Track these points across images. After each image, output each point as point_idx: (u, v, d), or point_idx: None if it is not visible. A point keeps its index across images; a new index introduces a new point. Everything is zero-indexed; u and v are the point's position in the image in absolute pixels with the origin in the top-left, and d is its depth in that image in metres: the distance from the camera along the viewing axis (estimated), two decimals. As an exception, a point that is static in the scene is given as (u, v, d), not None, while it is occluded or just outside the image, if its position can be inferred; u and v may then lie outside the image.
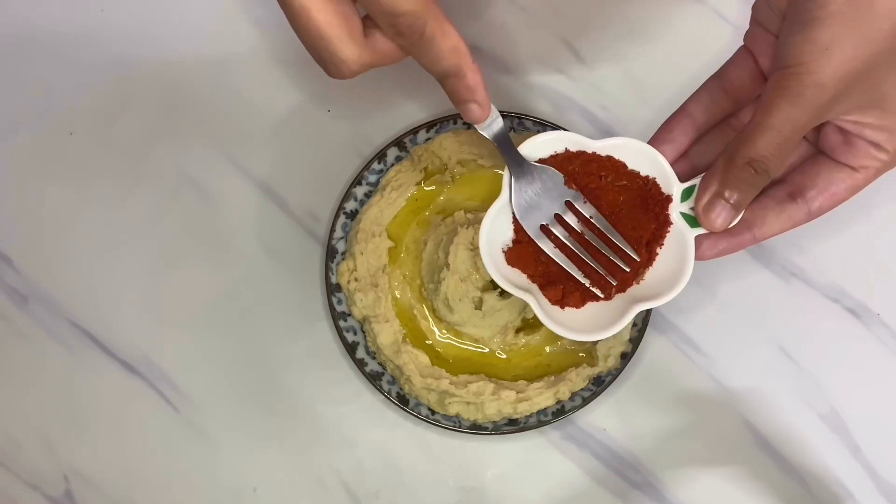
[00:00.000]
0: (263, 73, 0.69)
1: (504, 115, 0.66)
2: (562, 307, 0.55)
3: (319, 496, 0.65)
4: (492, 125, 0.52)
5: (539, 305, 0.54)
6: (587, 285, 0.55)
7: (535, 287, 0.55)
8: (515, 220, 0.55)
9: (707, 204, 0.51)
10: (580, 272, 0.55)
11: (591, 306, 0.55)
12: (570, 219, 0.55)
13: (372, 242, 0.65)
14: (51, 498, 0.66)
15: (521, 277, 0.56)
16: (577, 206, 0.54)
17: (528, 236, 0.55)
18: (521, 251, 0.55)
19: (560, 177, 0.54)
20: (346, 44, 0.45)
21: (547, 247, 0.55)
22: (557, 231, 0.54)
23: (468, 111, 0.50)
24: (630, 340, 0.64)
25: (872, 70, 0.47)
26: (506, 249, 0.56)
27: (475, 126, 0.52)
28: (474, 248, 0.64)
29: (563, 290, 0.55)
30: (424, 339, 0.66)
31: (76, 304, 0.67)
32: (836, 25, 0.46)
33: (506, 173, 0.54)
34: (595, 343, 0.64)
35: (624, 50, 0.69)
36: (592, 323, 0.55)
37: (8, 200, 0.68)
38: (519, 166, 0.54)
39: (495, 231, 0.55)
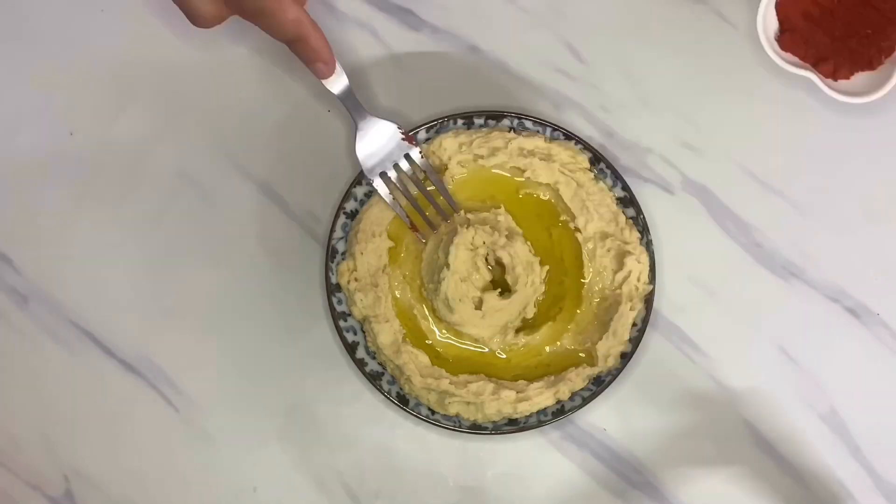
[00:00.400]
0: (263, 73, 0.69)
1: (504, 114, 0.66)
2: (835, 79, 0.65)
3: (319, 496, 0.65)
4: (337, 82, 0.61)
5: (821, 80, 0.64)
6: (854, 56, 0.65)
7: (809, 66, 0.65)
8: None
9: None
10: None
11: (860, 76, 0.66)
12: (404, 165, 0.64)
13: (372, 242, 0.65)
14: (51, 498, 0.66)
15: (795, 59, 0.65)
16: (412, 156, 0.64)
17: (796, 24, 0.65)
18: (790, 39, 0.65)
19: (397, 130, 0.63)
20: (203, 2, 0.54)
21: (384, 192, 0.64)
22: (392, 175, 0.64)
23: (316, 70, 0.59)
24: (630, 340, 0.64)
25: None
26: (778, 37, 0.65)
27: (322, 82, 0.61)
28: (474, 248, 0.64)
29: (833, 64, 0.65)
30: (424, 339, 0.66)
31: (76, 304, 0.67)
32: None
33: (352, 126, 0.63)
34: (595, 343, 0.64)
35: (624, 50, 0.69)
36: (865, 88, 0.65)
37: (8, 200, 0.68)
38: (363, 119, 0.63)
39: None
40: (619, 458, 0.65)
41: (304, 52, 0.57)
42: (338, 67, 0.61)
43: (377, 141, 0.64)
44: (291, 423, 0.66)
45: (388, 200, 0.64)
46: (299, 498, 0.65)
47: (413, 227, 0.65)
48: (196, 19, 0.56)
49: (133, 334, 0.67)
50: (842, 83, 0.66)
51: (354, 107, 0.63)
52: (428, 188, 0.65)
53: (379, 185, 0.64)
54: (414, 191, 0.65)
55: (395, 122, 0.64)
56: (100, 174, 0.68)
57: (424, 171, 0.65)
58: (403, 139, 0.64)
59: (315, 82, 0.68)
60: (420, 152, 0.64)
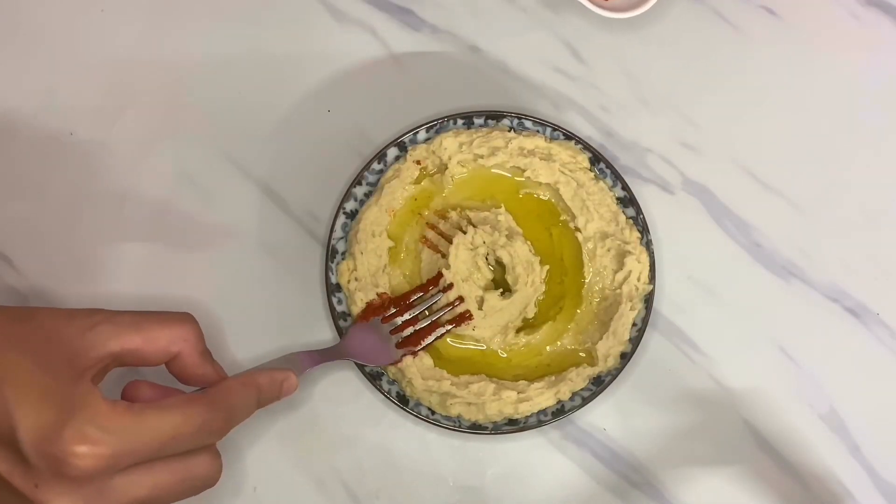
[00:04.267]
0: (263, 72, 0.69)
1: (504, 114, 0.66)
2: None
3: (319, 496, 0.65)
4: (299, 363, 0.58)
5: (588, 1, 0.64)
6: None
7: None
8: None
9: None
10: (447, 326, 0.64)
11: None
12: (398, 321, 0.64)
13: (372, 242, 0.65)
14: (51, 498, 0.66)
15: None
16: (386, 316, 0.64)
17: None
18: None
19: (362, 326, 0.63)
20: (196, 465, 0.49)
21: (415, 351, 0.64)
22: (406, 334, 0.64)
23: (288, 391, 0.55)
24: (630, 340, 0.64)
25: None
26: None
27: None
28: (474, 248, 0.64)
29: None
30: (425, 340, 0.66)
31: (76, 305, 0.67)
32: None
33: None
34: (595, 343, 0.64)
35: (624, 50, 0.69)
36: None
37: (8, 200, 0.68)
38: (341, 352, 0.62)
39: None
40: (619, 457, 0.65)
41: (269, 394, 0.54)
42: (286, 359, 0.59)
43: (367, 341, 0.63)
44: (291, 423, 0.66)
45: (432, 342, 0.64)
46: (299, 498, 0.65)
47: (459, 319, 0.65)
48: (212, 481, 0.50)
49: (133, 334, 0.67)
50: (610, 2, 0.67)
51: (326, 359, 0.61)
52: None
53: (409, 350, 0.64)
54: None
55: (348, 326, 0.64)
56: (100, 174, 0.68)
57: (401, 304, 0.65)
58: (368, 322, 0.64)
59: (315, 82, 0.68)
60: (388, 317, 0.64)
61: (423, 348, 0.64)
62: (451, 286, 0.64)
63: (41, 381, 0.45)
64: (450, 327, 0.64)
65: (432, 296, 0.65)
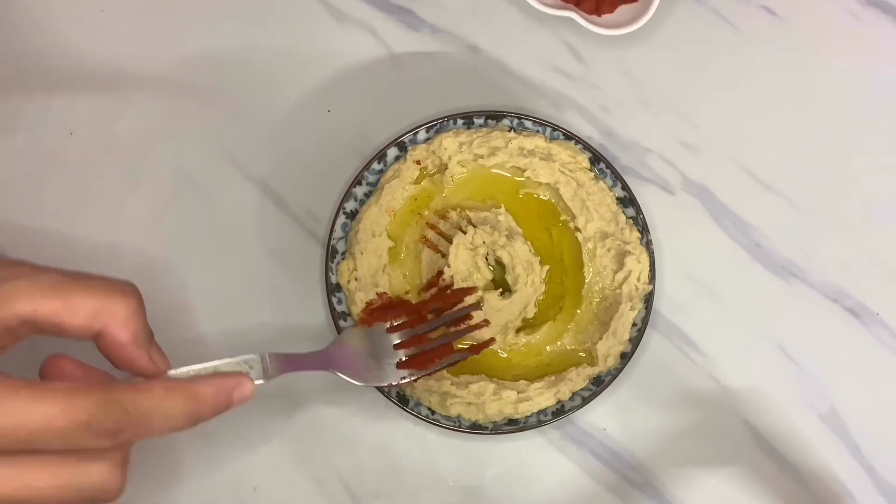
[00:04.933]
0: (263, 72, 0.69)
1: (504, 114, 0.66)
2: (599, 15, 0.66)
3: (319, 496, 0.65)
4: (265, 368, 0.49)
5: (582, 18, 0.65)
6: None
7: (570, 5, 0.66)
8: None
9: None
10: (461, 354, 0.60)
11: (622, 8, 0.67)
12: (406, 334, 0.58)
13: (372, 242, 0.65)
14: (51, 498, 0.66)
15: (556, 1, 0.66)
16: (395, 324, 0.58)
17: None
18: None
19: (357, 331, 0.59)
20: (89, 471, 0.40)
21: (419, 375, 0.57)
22: (413, 352, 0.58)
23: (239, 399, 0.45)
24: (630, 340, 0.64)
25: None
26: None
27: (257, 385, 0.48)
28: (474, 248, 0.64)
29: (596, 1, 0.66)
30: (424, 339, 0.66)
31: (76, 304, 0.67)
32: None
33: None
34: (595, 343, 0.64)
35: (624, 50, 0.69)
36: (628, 17, 0.66)
37: (8, 200, 0.68)
38: (324, 362, 0.55)
39: None
40: (619, 457, 0.65)
41: (210, 408, 0.44)
42: (246, 360, 0.48)
43: (359, 353, 0.57)
44: (291, 423, 0.66)
45: (411, 377, 0.58)
46: (299, 498, 0.65)
47: (476, 349, 0.61)
48: (108, 493, 0.41)
49: (133, 334, 0.67)
50: (605, 17, 0.68)
51: (307, 365, 0.54)
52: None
53: (413, 373, 0.57)
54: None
55: (344, 329, 0.60)
56: (100, 174, 0.68)
57: (417, 314, 0.61)
58: (370, 327, 0.59)
59: (315, 82, 0.68)
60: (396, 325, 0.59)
61: (432, 372, 0.57)
62: (473, 297, 0.61)
63: None
64: (466, 355, 0.59)
65: (458, 310, 0.59)
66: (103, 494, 0.40)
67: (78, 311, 0.42)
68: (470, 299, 0.63)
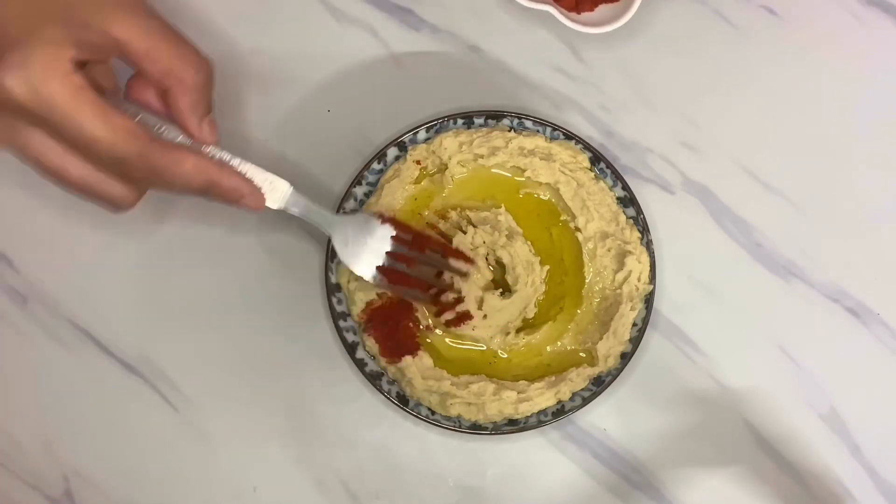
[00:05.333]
0: (263, 72, 0.69)
1: (504, 114, 0.66)
2: (578, 12, 0.66)
3: (319, 496, 0.65)
4: (276, 198, 0.54)
5: (561, 14, 0.64)
6: None
7: (550, 1, 0.65)
8: None
9: None
10: (427, 294, 0.62)
11: (603, 7, 0.66)
12: (401, 250, 0.59)
13: (372, 242, 0.65)
14: (51, 498, 0.66)
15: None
16: (401, 235, 0.59)
17: None
18: None
19: (372, 218, 0.59)
20: (113, 186, 0.48)
21: (384, 285, 0.59)
22: (398, 267, 0.59)
23: (246, 206, 0.52)
24: (630, 340, 0.64)
25: None
26: None
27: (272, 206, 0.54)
28: (474, 248, 0.64)
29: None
30: (425, 339, 0.66)
31: (76, 304, 0.67)
32: None
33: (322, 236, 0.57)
34: (596, 343, 0.64)
35: (624, 50, 0.69)
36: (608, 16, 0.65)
37: (8, 200, 0.68)
38: (330, 225, 0.58)
39: None
40: (619, 458, 0.65)
41: (222, 195, 0.51)
42: (273, 181, 0.54)
43: (358, 237, 0.59)
44: (291, 423, 0.66)
45: (394, 291, 0.60)
46: (299, 498, 0.65)
47: (440, 306, 0.63)
48: (117, 207, 0.50)
49: (133, 334, 0.67)
50: (585, 15, 0.67)
51: (312, 213, 0.56)
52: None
53: (380, 280, 0.59)
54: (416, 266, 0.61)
55: (361, 211, 0.62)
56: (100, 174, 0.68)
57: (422, 242, 0.61)
58: (382, 223, 0.60)
59: (315, 82, 0.68)
60: (405, 231, 0.60)
61: (394, 293, 0.59)
62: (466, 266, 0.63)
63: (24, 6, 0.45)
64: (428, 297, 0.61)
65: (454, 266, 0.62)
66: (115, 205, 0.49)
67: (156, 63, 0.48)
68: (461, 264, 0.63)
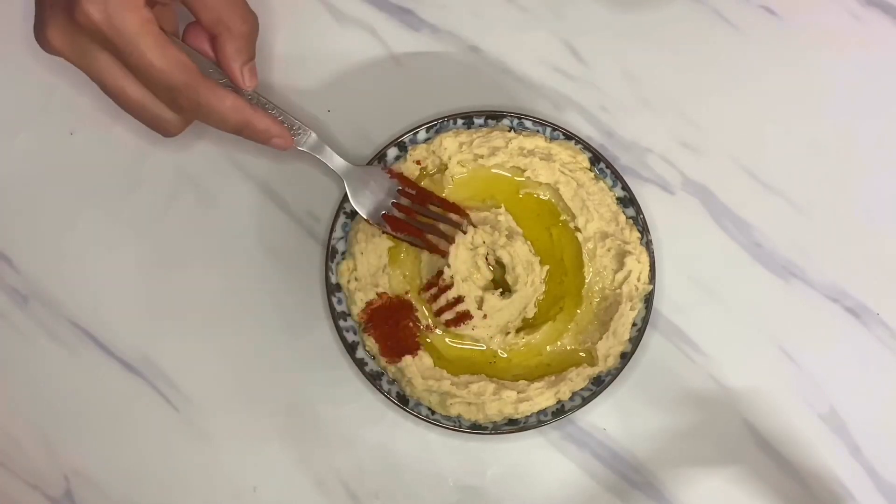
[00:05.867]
0: (263, 72, 0.69)
1: (504, 114, 0.66)
2: None
3: (319, 496, 0.65)
4: (304, 142, 0.61)
5: None
6: None
7: None
8: None
9: None
10: (424, 241, 0.64)
11: None
12: (404, 202, 0.64)
13: (372, 242, 0.65)
14: (51, 498, 0.66)
15: None
16: (406, 190, 0.64)
17: None
18: None
19: (382, 172, 0.64)
20: (164, 111, 0.55)
21: (387, 231, 0.63)
22: (398, 215, 0.64)
23: (275, 145, 0.58)
24: (630, 340, 0.64)
25: None
26: None
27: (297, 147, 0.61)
28: (474, 248, 0.64)
29: None
30: (425, 339, 0.66)
31: (76, 304, 0.67)
32: None
33: (338, 180, 0.63)
34: (595, 343, 0.64)
35: (624, 50, 0.69)
36: None
37: (8, 200, 0.68)
38: (347, 172, 0.63)
39: None
40: (619, 458, 0.65)
41: (254, 135, 0.57)
42: (300, 127, 0.61)
43: (368, 186, 0.63)
44: (291, 423, 0.66)
45: (402, 237, 0.64)
46: (299, 498, 0.65)
47: (435, 250, 0.64)
48: (167, 132, 0.57)
49: (133, 334, 0.67)
50: None
51: (331, 159, 0.62)
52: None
53: (385, 226, 0.64)
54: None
55: (375, 164, 0.65)
56: (100, 174, 0.68)
57: (423, 196, 0.65)
58: (391, 178, 0.64)
59: (315, 82, 0.68)
60: (409, 187, 0.64)
61: (394, 236, 0.64)
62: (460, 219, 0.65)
63: None
64: (423, 243, 0.64)
65: (452, 219, 0.64)
66: (164, 129, 0.56)
67: (209, 11, 0.54)
68: (457, 218, 0.65)
